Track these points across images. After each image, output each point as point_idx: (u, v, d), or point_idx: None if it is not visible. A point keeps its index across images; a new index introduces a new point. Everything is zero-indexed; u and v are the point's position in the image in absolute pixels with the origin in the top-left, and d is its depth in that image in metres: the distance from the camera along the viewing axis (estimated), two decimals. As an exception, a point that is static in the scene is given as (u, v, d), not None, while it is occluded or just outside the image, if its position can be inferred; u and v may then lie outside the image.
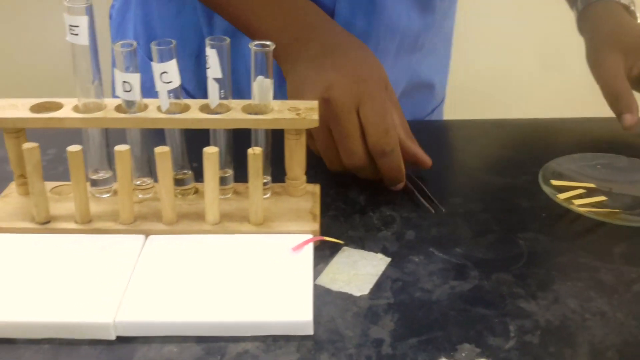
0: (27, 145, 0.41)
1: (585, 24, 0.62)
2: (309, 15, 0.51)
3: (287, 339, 0.36)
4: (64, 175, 0.48)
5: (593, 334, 0.37)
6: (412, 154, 0.49)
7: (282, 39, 0.48)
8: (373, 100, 0.46)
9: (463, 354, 0.35)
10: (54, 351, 0.35)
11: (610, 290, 0.40)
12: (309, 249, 0.42)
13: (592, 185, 0.51)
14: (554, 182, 0.50)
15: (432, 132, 0.63)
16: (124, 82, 0.41)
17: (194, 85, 0.62)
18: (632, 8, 0.62)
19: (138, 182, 0.46)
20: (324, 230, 0.45)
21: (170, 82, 0.42)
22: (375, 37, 0.59)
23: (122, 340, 0.36)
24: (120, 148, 0.41)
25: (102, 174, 0.46)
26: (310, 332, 0.36)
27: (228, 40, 0.42)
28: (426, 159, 0.50)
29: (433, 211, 0.48)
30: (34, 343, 0.35)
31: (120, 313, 0.36)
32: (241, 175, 0.47)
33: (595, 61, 0.59)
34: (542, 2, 1.28)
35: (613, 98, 0.57)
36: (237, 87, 0.54)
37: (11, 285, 0.38)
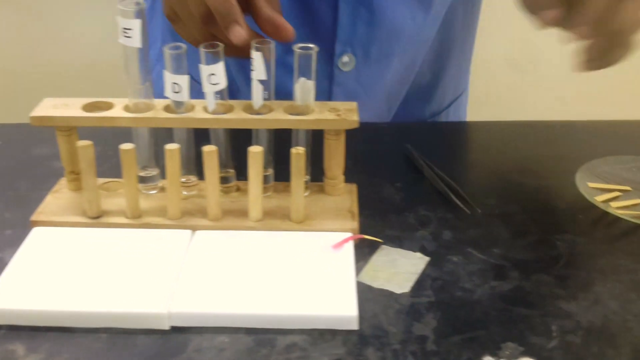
0: (81, 143, 0.43)
1: None
2: None
3: (333, 333, 0.37)
4: (109, 173, 0.50)
5: (635, 335, 0.37)
6: (266, 18, 0.43)
7: None
8: None
9: (507, 352, 0.36)
10: (111, 340, 0.37)
11: (649, 293, 0.41)
12: (350, 246, 0.43)
13: (628, 188, 0.51)
14: (591, 185, 0.51)
15: (463, 134, 0.63)
16: (174, 83, 0.43)
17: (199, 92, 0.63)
18: None
19: (183, 180, 0.48)
20: (361, 229, 0.46)
21: (217, 83, 0.43)
22: (378, 41, 0.59)
23: (175, 330, 0.37)
24: (171, 146, 0.43)
25: (150, 171, 0.48)
26: (356, 327, 0.37)
27: (273, 43, 0.43)
28: (287, 26, 0.44)
29: (469, 212, 0.49)
30: (92, 332, 0.37)
31: (174, 304, 0.37)
32: (279, 174, 0.48)
33: None
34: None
35: None
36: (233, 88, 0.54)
37: (68, 277, 0.40)
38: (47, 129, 0.46)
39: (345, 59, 0.59)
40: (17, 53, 1.31)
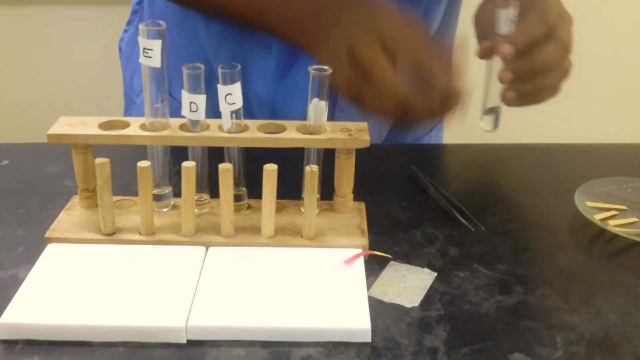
0: (99, 161, 0.44)
1: None
2: None
3: (346, 345, 0.38)
4: (118, 191, 0.51)
5: (635, 345, 0.39)
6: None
7: (298, 34, 0.51)
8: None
9: (516, 362, 0.37)
10: (129, 353, 0.37)
11: (648, 306, 0.42)
12: (360, 262, 0.45)
13: (624, 207, 0.53)
14: (589, 204, 0.53)
15: (464, 156, 0.65)
16: (191, 102, 0.44)
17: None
18: None
19: (196, 197, 0.49)
20: (370, 246, 0.47)
21: (234, 103, 0.45)
22: None
23: (192, 343, 0.38)
24: (187, 164, 0.44)
25: (163, 189, 0.49)
26: (368, 339, 0.38)
27: None
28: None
29: (473, 229, 0.50)
30: (110, 346, 0.38)
31: (191, 318, 0.38)
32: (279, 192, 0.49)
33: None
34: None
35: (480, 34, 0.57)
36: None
37: (84, 292, 0.40)
38: (56, 148, 0.46)
39: None
40: (17, 75, 1.33)
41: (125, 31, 0.71)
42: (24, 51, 1.31)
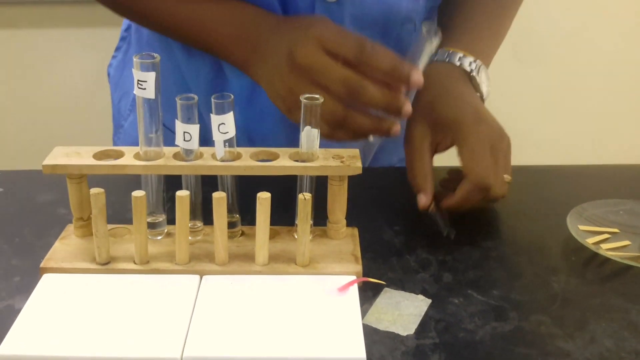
0: (94, 191, 0.44)
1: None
2: (256, 20, 0.53)
3: (341, 375, 0.38)
4: (113, 218, 0.51)
5: (631, 373, 0.39)
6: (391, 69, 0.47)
7: (241, 49, 0.52)
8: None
9: (511, 391, 0.37)
10: (123, 386, 0.37)
11: (642, 331, 0.43)
12: (354, 289, 0.45)
13: (616, 230, 0.54)
14: (582, 227, 0.53)
15: (456, 179, 0.66)
16: (185, 132, 0.45)
17: None
18: (474, 74, 0.55)
19: (190, 224, 0.49)
20: (364, 272, 0.47)
21: (227, 132, 0.45)
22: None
23: (187, 375, 0.38)
24: (181, 193, 0.44)
25: (157, 217, 0.49)
26: (364, 369, 0.38)
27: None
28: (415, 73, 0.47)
29: (445, 234, 0.51)
30: (103, 378, 0.37)
31: (186, 349, 0.38)
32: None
33: (406, 133, 0.55)
34: (541, 46, 1.33)
35: (411, 176, 0.53)
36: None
37: (81, 323, 0.40)
38: (49, 175, 0.46)
39: None
40: (3, 100, 1.33)
41: (113, 57, 0.72)
42: (12, 75, 1.31)
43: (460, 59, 0.55)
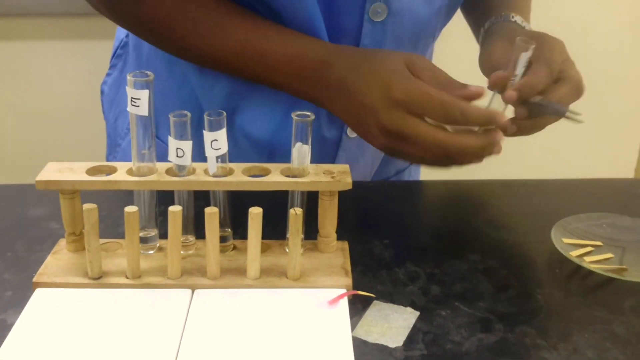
0: (87, 207, 0.44)
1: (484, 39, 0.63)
2: (316, 43, 0.54)
3: (331, 388, 0.39)
4: (105, 232, 0.51)
5: (613, 383, 0.40)
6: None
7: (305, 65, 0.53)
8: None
9: (497, 402, 0.38)
10: (115, 400, 0.37)
11: (624, 342, 0.44)
12: (344, 302, 0.45)
13: (599, 243, 0.55)
14: (566, 240, 0.55)
15: (444, 192, 0.67)
16: (177, 148, 0.46)
17: (194, 154, 0.66)
18: (527, 29, 0.63)
19: (182, 239, 0.49)
20: (354, 285, 0.48)
21: (219, 148, 0.46)
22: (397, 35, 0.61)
23: (179, 389, 0.38)
24: (174, 208, 0.45)
25: (149, 232, 0.49)
26: (353, 381, 0.39)
27: None
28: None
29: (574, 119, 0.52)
30: (96, 392, 0.38)
31: (178, 363, 0.39)
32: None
33: (487, 47, 0.60)
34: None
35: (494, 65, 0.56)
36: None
37: (74, 338, 0.41)
38: (42, 190, 0.47)
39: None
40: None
41: (108, 75, 0.72)
42: (4, 88, 1.31)
43: (513, 16, 0.64)
